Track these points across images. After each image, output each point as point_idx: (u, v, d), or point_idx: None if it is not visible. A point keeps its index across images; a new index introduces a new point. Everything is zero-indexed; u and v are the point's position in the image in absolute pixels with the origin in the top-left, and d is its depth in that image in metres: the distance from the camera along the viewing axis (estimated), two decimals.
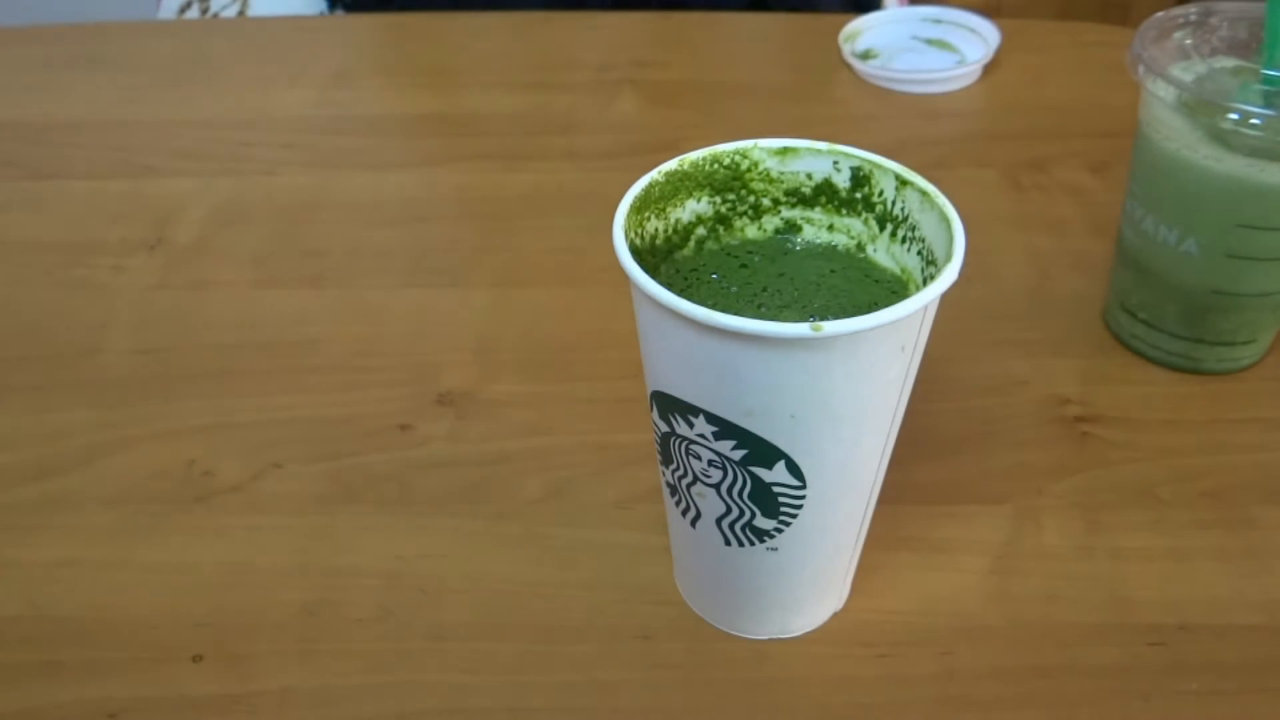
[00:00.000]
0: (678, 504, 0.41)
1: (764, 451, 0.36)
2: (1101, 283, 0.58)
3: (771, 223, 0.42)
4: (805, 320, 0.37)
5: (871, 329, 0.33)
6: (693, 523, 0.41)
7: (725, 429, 0.36)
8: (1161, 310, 0.53)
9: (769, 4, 0.88)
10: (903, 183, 0.39)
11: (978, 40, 0.81)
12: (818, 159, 0.41)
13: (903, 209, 0.39)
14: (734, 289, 0.41)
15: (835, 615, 0.44)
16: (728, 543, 0.40)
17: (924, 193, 0.38)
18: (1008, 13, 0.87)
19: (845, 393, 0.35)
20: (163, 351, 0.58)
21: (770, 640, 0.44)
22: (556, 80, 0.80)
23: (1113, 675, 0.42)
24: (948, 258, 0.35)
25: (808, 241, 0.42)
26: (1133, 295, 0.54)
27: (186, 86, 0.82)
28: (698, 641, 0.44)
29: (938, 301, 0.35)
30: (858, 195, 0.41)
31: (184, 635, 0.44)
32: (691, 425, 0.37)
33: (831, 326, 0.32)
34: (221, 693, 0.42)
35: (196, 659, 0.43)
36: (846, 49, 0.80)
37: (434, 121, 0.76)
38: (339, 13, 0.98)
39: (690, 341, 0.34)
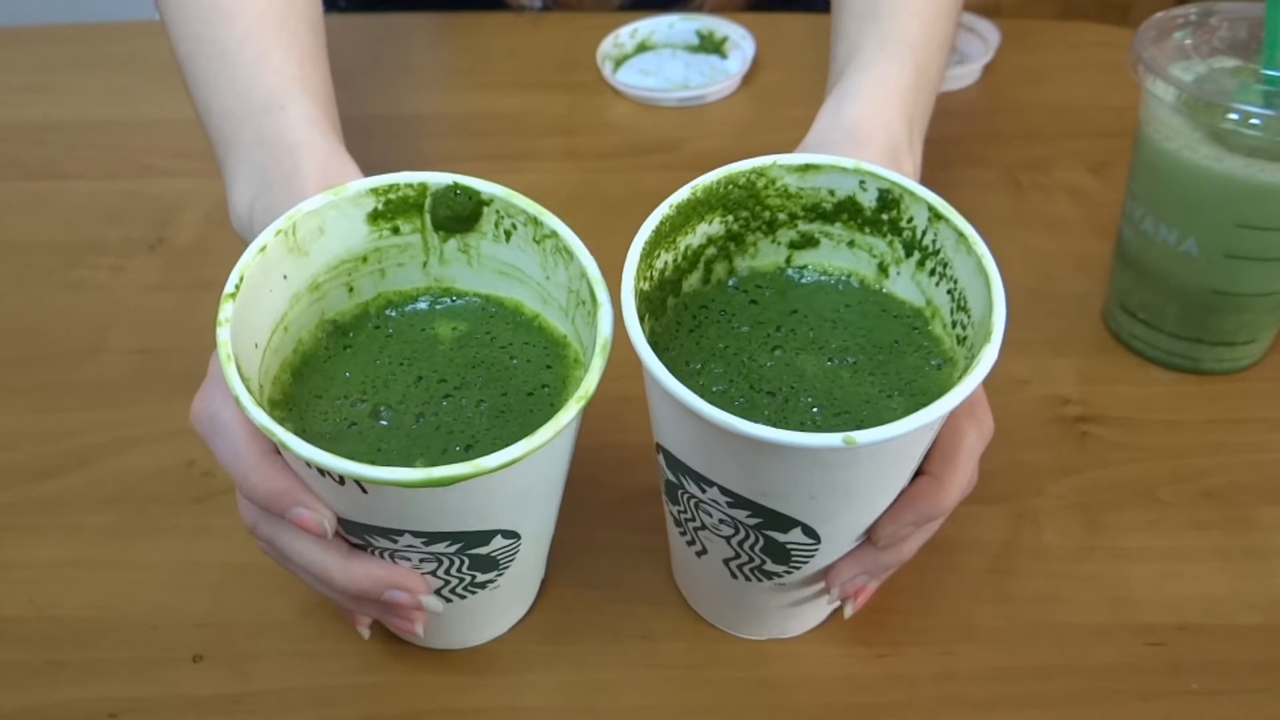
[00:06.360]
0: (682, 534, 0.40)
1: (780, 520, 0.35)
2: (1101, 283, 0.58)
3: (786, 236, 0.40)
4: (825, 361, 0.36)
5: (907, 433, 0.31)
6: (698, 555, 0.40)
7: (740, 501, 0.35)
8: (1161, 310, 0.53)
9: (769, 4, 0.88)
10: (936, 216, 0.37)
11: (978, 40, 0.81)
12: (842, 177, 0.39)
13: (934, 241, 0.38)
14: (745, 329, 0.39)
15: (835, 615, 0.44)
16: (734, 577, 0.39)
17: (960, 234, 0.36)
18: (1008, 13, 0.86)
19: (869, 480, 0.34)
20: (163, 351, 0.57)
21: (770, 640, 0.44)
22: (556, 80, 0.80)
23: (1113, 675, 0.42)
24: (985, 313, 0.34)
25: (815, 274, 0.41)
26: (1133, 295, 0.54)
27: None
28: (698, 641, 0.44)
29: None
30: (884, 217, 0.39)
31: (184, 635, 0.44)
32: (704, 491, 0.36)
33: (866, 437, 0.30)
34: (221, 693, 0.42)
35: (196, 659, 0.43)
36: None
37: (433, 121, 0.76)
38: (337, 13, 0.98)
39: (710, 435, 0.33)
